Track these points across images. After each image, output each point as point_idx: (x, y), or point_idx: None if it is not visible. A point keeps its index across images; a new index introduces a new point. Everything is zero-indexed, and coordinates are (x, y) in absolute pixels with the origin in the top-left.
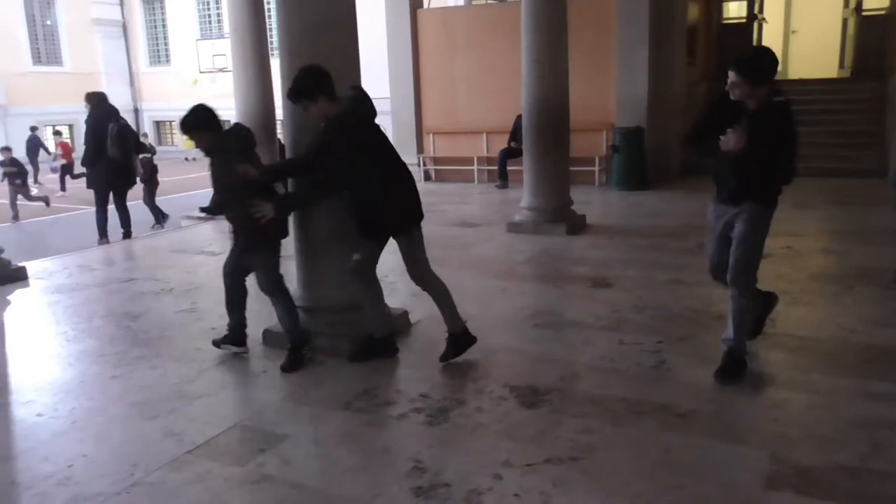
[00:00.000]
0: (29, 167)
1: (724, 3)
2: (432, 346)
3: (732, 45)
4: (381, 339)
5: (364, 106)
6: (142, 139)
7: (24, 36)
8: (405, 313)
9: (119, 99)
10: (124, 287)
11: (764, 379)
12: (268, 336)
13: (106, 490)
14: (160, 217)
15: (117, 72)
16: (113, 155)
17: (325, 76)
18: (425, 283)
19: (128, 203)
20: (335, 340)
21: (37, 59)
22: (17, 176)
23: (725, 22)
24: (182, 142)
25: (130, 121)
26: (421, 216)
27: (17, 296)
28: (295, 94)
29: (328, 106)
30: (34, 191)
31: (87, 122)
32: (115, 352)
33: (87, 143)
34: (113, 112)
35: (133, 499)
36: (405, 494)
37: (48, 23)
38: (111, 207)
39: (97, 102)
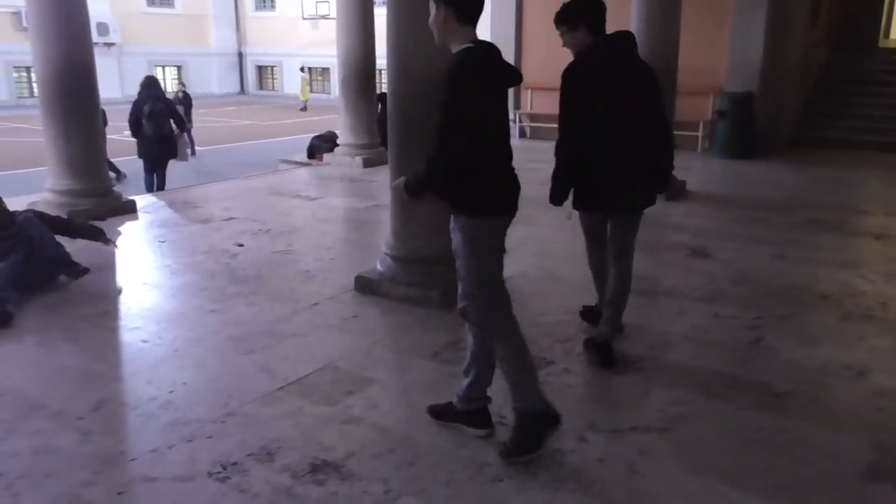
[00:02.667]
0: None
1: None
2: (521, 303)
3: (861, 8)
4: (603, 343)
5: (600, 47)
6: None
7: None
8: None
9: (224, 43)
10: (225, 225)
11: (871, 365)
12: (359, 282)
13: (203, 417)
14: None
15: (224, 15)
16: (147, 131)
17: (597, 7)
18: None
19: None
20: (426, 291)
21: (151, 0)
22: None
23: None
24: (300, 90)
25: (234, 65)
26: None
27: (127, 228)
28: (559, 15)
29: (586, 39)
30: None
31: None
32: (215, 287)
33: (129, 117)
34: (153, 95)
35: (228, 428)
36: (488, 448)
37: None
38: None
39: (144, 86)
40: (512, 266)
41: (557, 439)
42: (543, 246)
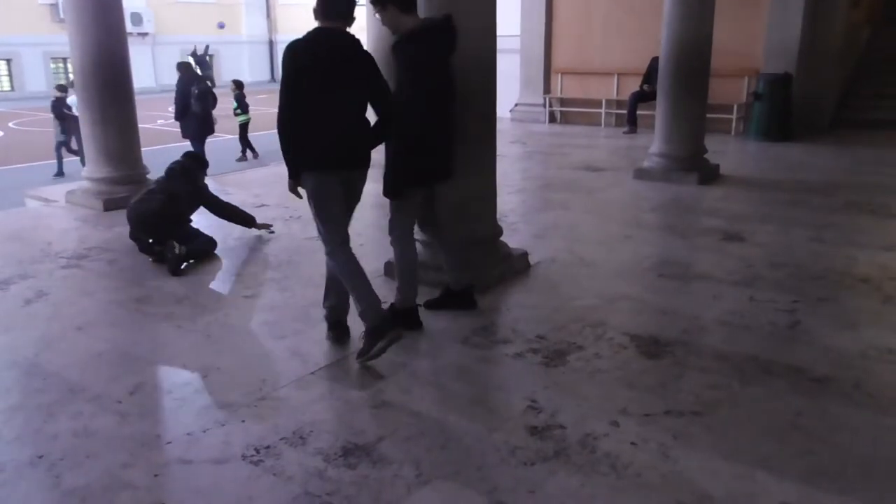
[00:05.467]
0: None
1: None
2: (551, 288)
3: None
4: (402, 311)
5: (433, 35)
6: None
7: None
8: (525, 254)
9: (255, 30)
10: (257, 212)
11: None
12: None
13: (237, 401)
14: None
15: (256, 3)
16: (195, 110)
17: None
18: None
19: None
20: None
21: None
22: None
23: None
24: None
25: (265, 52)
26: (445, 176)
27: None
28: None
29: (401, 17)
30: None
31: (177, 85)
32: (248, 273)
33: (176, 101)
34: (195, 77)
35: (261, 412)
36: (520, 432)
37: None
38: None
39: (184, 71)
40: (542, 251)
41: (589, 423)
42: (574, 230)
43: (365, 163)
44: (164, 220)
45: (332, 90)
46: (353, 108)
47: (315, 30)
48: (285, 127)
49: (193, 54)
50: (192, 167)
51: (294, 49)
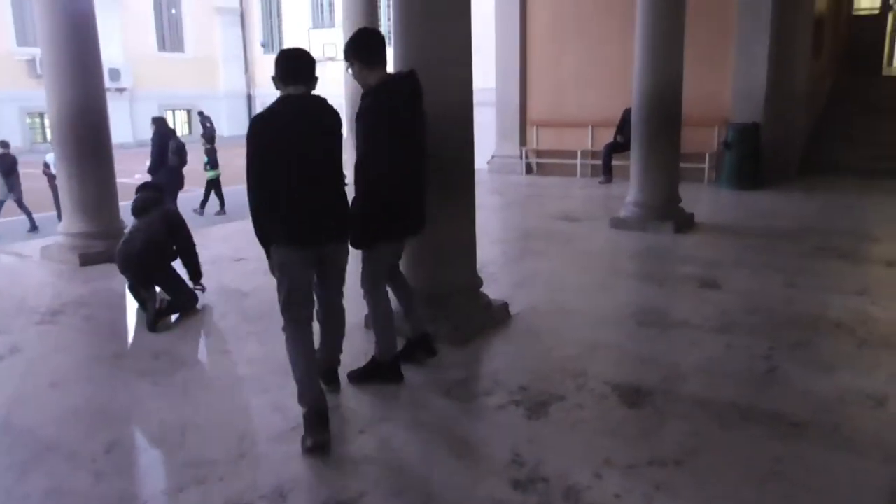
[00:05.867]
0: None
1: None
2: (532, 338)
3: (863, 38)
4: (384, 364)
5: (395, 89)
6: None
7: (151, 23)
8: (505, 304)
9: (234, 84)
10: (235, 266)
11: (890, 393)
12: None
13: (216, 458)
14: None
15: (233, 58)
16: (173, 164)
17: (364, 41)
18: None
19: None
20: (437, 326)
21: (161, 45)
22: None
23: (856, 14)
24: None
25: (243, 106)
26: (417, 229)
27: None
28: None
29: (366, 73)
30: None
31: (153, 139)
32: (227, 327)
33: (153, 155)
34: (172, 131)
35: (240, 469)
36: (504, 486)
37: (173, 11)
38: None
39: (161, 124)
40: (522, 300)
41: (572, 476)
42: (553, 280)
43: (340, 237)
44: (148, 256)
45: (299, 163)
46: (326, 180)
47: (278, 100)
48: (258, 211)
49: (200, 114)
50: (154, 196)
51: (257, 123)
